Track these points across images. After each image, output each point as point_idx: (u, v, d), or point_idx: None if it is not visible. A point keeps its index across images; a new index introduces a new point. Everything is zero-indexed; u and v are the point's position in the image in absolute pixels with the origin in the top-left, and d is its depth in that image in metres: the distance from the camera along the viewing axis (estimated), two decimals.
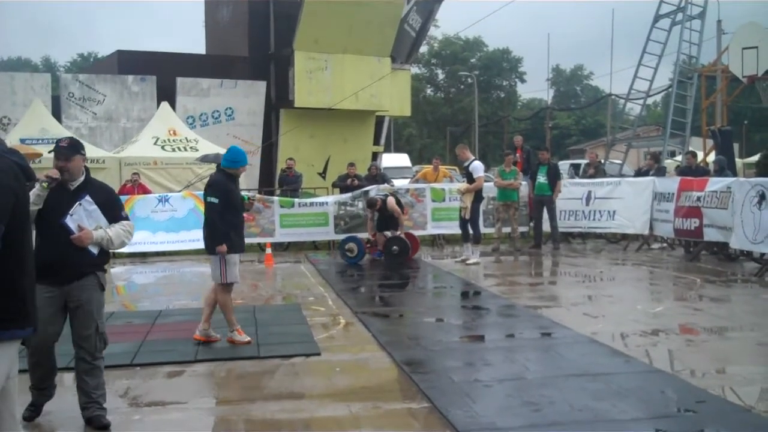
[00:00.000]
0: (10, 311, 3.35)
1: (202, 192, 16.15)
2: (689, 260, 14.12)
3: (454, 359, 7.08)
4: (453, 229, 16.18)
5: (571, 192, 16.87)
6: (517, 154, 17.83)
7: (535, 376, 6.42)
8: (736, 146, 29.54)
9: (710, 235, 13.47)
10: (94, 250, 5.45)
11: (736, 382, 6.38)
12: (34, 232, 4.90)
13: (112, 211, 5.64)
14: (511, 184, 16.03)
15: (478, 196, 14.31)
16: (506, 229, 16.40)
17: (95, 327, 5.46)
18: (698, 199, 13.70)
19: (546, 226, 16.41)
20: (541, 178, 16.11)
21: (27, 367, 5.45)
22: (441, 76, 74.40)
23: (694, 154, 17.14)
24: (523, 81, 77.48)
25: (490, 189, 16.26)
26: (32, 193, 5.00)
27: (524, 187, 16.94)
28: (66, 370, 6.93)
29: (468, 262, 14.08)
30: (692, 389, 6.01)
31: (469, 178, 14.26)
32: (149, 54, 24.00)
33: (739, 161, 27.31)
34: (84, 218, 5.40)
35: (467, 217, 14.26)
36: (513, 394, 5.93)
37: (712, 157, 20.00)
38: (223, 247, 7.65)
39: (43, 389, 5.60)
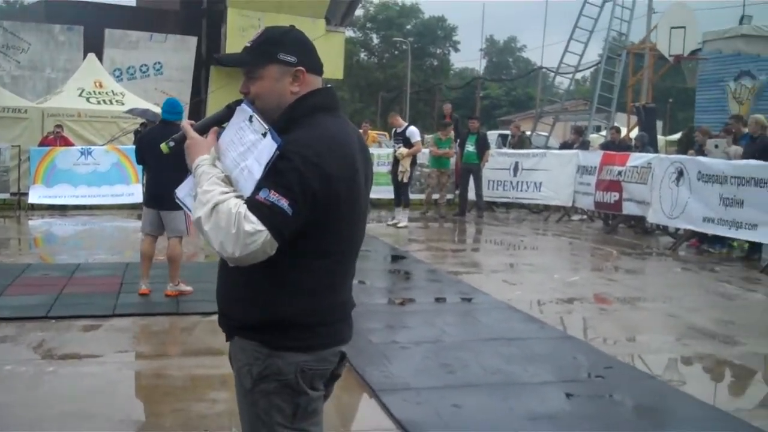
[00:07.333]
0: None
1: (126, 146, 16.02)
2: (607, 233, 14.48)
3: (374, 321, 7.16)
4: (379, 193, 16.27)
5: (498, 162, 17.07)
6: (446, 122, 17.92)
7: (452, 340, 6.54)
8: (660, 124, 30.21)
9: (629, 208, 13.81)
10: None
11: (644, 351, 6.62)
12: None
13: None
14: (446, 152, 16.18)
15: (413, 160, 14.53)
16: (436, 196, 16.58)
17: None
18: (619, 173, 14.00)
19: (471, 194, 16.60)
20: (470, 147, 16.24)
21: None
22: (375, 40, 74.04)
23: (617, 130, 17.52)
24: (456, 50, 77.61)
25: (422, 156, 16.35)
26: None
27: None
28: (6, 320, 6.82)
29: (399, 225, 14.24)
30: (602, 356, 6.20)
31: (406, 142, 14.38)
32: (78, 3, 23.35)
33: (662, 138, 27.94)
34: None
35: (406, 180, 14.44)
36: (429, 357, 6.04)
37: (635, 133, 20.44)
38: None
39: None
